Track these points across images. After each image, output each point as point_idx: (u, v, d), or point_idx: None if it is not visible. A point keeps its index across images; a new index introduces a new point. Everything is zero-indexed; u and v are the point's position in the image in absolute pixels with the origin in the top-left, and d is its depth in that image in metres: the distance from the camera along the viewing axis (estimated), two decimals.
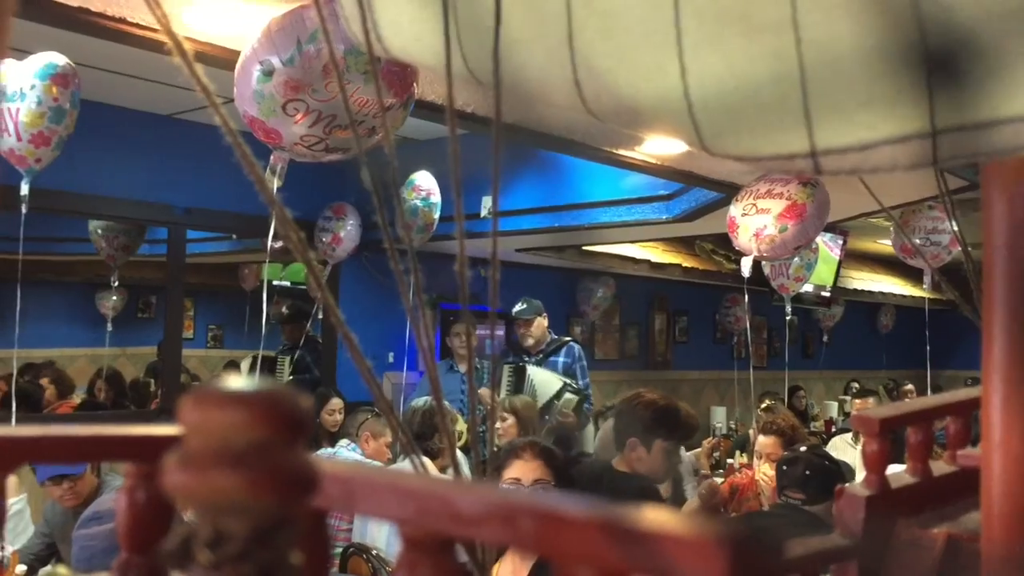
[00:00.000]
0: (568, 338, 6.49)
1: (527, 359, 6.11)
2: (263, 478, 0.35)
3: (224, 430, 0.36)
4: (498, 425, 4.88)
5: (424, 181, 5.15)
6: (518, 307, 6.26)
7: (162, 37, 2.96)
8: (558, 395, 5.74)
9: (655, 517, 0.37)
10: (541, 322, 6.22)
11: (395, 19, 0.90)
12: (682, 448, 5.51)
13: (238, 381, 0.37)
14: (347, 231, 5.73)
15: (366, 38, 0.82)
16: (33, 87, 3.33)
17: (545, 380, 5.86)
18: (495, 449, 5.24)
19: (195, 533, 0.36)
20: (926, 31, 0.70)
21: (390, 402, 0.84)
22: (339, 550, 3.77)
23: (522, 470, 2.51)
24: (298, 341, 6.61)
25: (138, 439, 0.55)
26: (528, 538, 0.39)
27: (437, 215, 5.20)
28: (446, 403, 3.61)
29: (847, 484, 1.15)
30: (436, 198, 5.19)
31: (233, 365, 7.89)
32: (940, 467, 1.23)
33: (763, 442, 4.05)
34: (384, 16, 0.90)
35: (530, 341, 6.17)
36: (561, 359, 6.10)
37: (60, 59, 3.40)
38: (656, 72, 0.78)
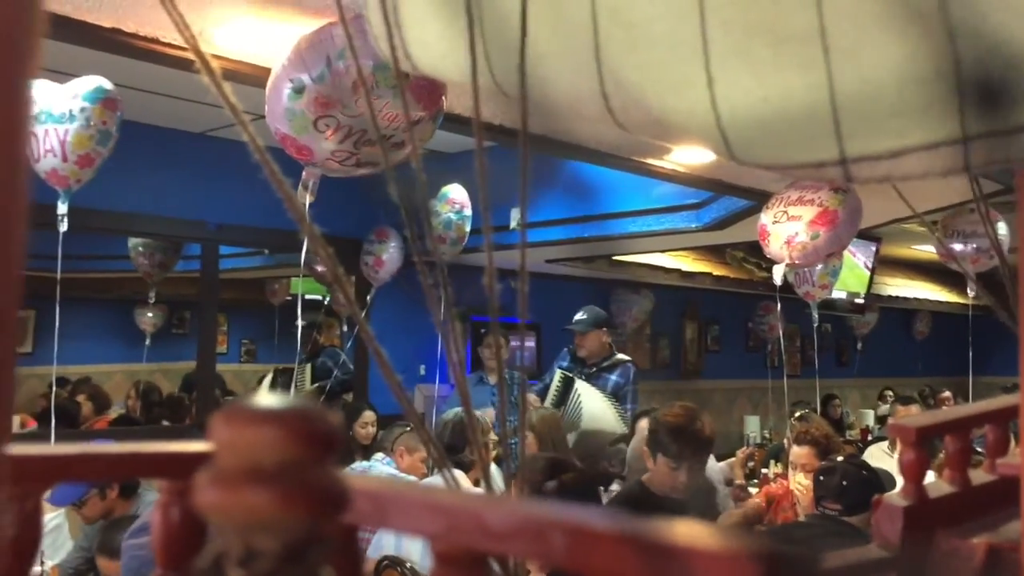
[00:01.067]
0: (627, 358, 6.24)
1: (582, 369, 6.00)
2: (294, 496, 0.35)
3: (255, 448, 0.36)
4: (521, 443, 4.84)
5: (457, 194, 5.17)
6: (577, 316, 6.10)
7: (193, 56, 2.98)
8: (615, 441, 5.56)
9: (686, 532, 0.37)
10: (598, 335, 6.03)
11: (422, 36, 0.90)
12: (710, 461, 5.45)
13: (269, 398, 0.37)
14: (389, 254, 5.77)
15: (393, 55, 0.82)
16: (83, 110, 3.40)
17: (596, 407, 5.63)
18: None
19: (227, 550, 0.36)
20: (956, 38, 0.69)
21: (421, 415, 0.84)
22: None
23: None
24: (315, 352, 6.65)
25: (171, 456, 0.55)
26: (558, 553, 0.39)
27: (469, 228, 5.21)
28: (478, 414, 3.63)
29: (885, 494, 1.14)
30: (469, 211, 5.21)
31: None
32: (979, 476, 1.21)
33: (797, 452, 4.01)
34: (412, 33, 0.90)
35: (584, 353, 6.04)
36: (614, 377, 5.96)
37: (107, 83, 3.47)
38: (683, 84, 0.78)
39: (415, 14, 0.89)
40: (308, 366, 6.63)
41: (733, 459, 5.87)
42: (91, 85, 3.44)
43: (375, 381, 6.31)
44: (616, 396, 5.81)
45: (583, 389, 5.71)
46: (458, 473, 3.26)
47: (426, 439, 0.80)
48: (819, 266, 5.58)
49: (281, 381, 6.35)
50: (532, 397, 5.78)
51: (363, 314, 5.72)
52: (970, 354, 5.64)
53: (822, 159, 0.76)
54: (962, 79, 0.70)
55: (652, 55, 0.80)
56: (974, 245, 5.24)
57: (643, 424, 4.40)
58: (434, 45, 0.89)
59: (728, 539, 0.36)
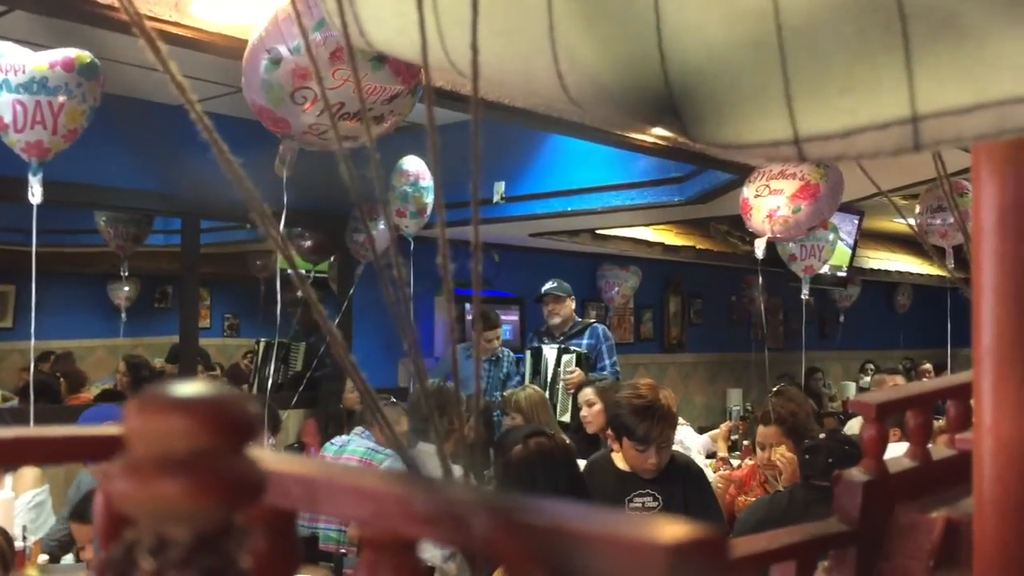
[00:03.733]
0: (592, 320, 6.42)
1: (547, 342, 6.08)
2: (205, 485, 0.35)
3: (166, 436, 0.36)
4: (508, 422, 4.89)
5: (412, 166, 5.08)
6: (549, 285, 6.17)
7: (172, 28, 2.93)
8: (557, 362, 5.77)
9: (604, 519, 0.37)
10: (570, 303, 6.17)
11: (377, 13, 0.90)
12: (687, 432, 5.53)
13: (185, 386, 0.37)
14: (379, 231, 5.69)
15: (345, 33, 0.82)
16: (79, 85, 3.41)
17: (552, 356, 5.88)
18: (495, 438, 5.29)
19: (139, 540, 0.36)
20: (907, 14, 0.69)
21: (375, 395, 0.84)
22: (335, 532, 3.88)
23: None
24: (310, 328, 6.62)
25: (115, 439, 0.55)
26: (480, 539, 0.39)
27: (429, 199, 5.12)
28: (449, 384, 3.61)
29: (845, 470, 1.15)
30: (426, 182, 5.13)
31: (251, 354, 7.91)
32: (940, 451, 1.22)
33: (764, 432, 4.06)
34: (366, 10, 0.90)
35: (556, 320, 6.09)
36: (585, 341, 6.06)
37: (96, 59, 3.46)
38: (636, 61, 0.78)
39: None
40: (302, 345, 6.60)
41: (716, 431, 5.92)
42: (83, 59, 3.42)
43: (358, 355, 6.30)
44: (590, 358, 5.91)
45: (548, 353, 5.84)
46: (429, 448, 3.27)
47: (382, 422, 0.81)
48: (825, 242, 5.69)
49: (272, 357, 6.30)
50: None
51: (351, 290, 5.70)
52: (948, 326, 5.68)
53: (776, 138, 0.76)
54: (911, 55, 0.70)
55: (606, 32, 0.79)
56: (949, 220, 5.26)
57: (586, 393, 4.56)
58: (388, 22, 0.89)
59: (644, 527, 0.37)
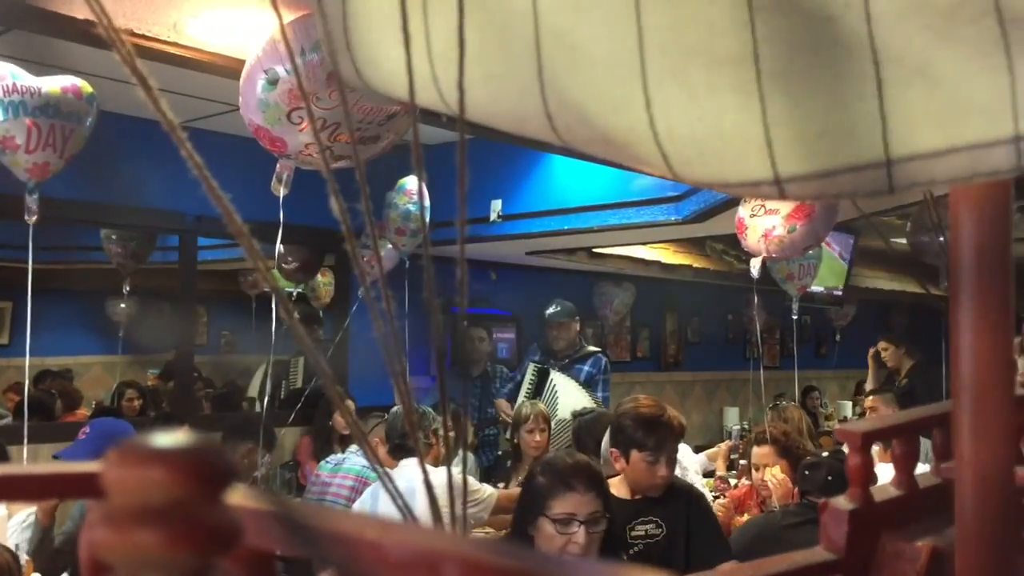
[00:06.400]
0: (597, 349, 6.43)
1: (552, 362, 6.07)
2: (182, 535, 0.37)
3: (144, 487, 0.37)
4: (537, 436, 4.80)
5: (415, 185, 5.10)
6: (552, 309, 6.17)
7: (170, 48, 2.95)
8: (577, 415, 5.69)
9: (581, 567, 0.38)
10: (573, 326, 6.18)
11: (372, 56, 0.91)
12: (684, 450, 5.51)
13: (164, 437, 0.38)
14: (388, 249, 5.63)
15: (339, 78, 0.83)
16: (86, 112, 3.51)
17: (570, 394, 5.76)
18: (500, 456, 5.22)
19: None
20: (880, 60, 0.71)
21: (359, 421, 0.85)
22: None
23: (577, 504, 2.36)
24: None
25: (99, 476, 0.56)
26: None
27: (428, 219, 5.12)
28: (420, 405, 3.61)
29: (831, 499, 1.16)
30: (427, 201, 5.13)
31: (246, 372, 7.89)
32: (926, 479, 1.23)
33: (758, 452, 4.09)
34: (362, 53, 0.92)
35: (561, 344, 6.11)
36: (586, 368, 6.05)
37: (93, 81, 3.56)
38: (623, 103, 0.80)
39: (365, 36, 0.90)
40: (301, 360, 6.59)
41: (714, 450, 5.92)
42: (86, 88, 3.51)
43: (355, 372, 6.31)
44: (588, 385, 5.90)
45: (558, 379, 5.81)
46: (412, 461, 3.27)
47: (365, 446, 0.81)
48: (813, 260, 5.69)
49: (273, 375, 6.26)
50: (500, 402, 5.86)
51: (349, 310, 5.69)
52: (943, 347, 5.69)
53: (756, 179, 0.77)
54: (885, 100, 0.71)
55: (592, 75, 0.81)
56: (940, 239, 5.26)
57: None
58: (383, 65, 0.90)
59: (610, 571, 0.38)
